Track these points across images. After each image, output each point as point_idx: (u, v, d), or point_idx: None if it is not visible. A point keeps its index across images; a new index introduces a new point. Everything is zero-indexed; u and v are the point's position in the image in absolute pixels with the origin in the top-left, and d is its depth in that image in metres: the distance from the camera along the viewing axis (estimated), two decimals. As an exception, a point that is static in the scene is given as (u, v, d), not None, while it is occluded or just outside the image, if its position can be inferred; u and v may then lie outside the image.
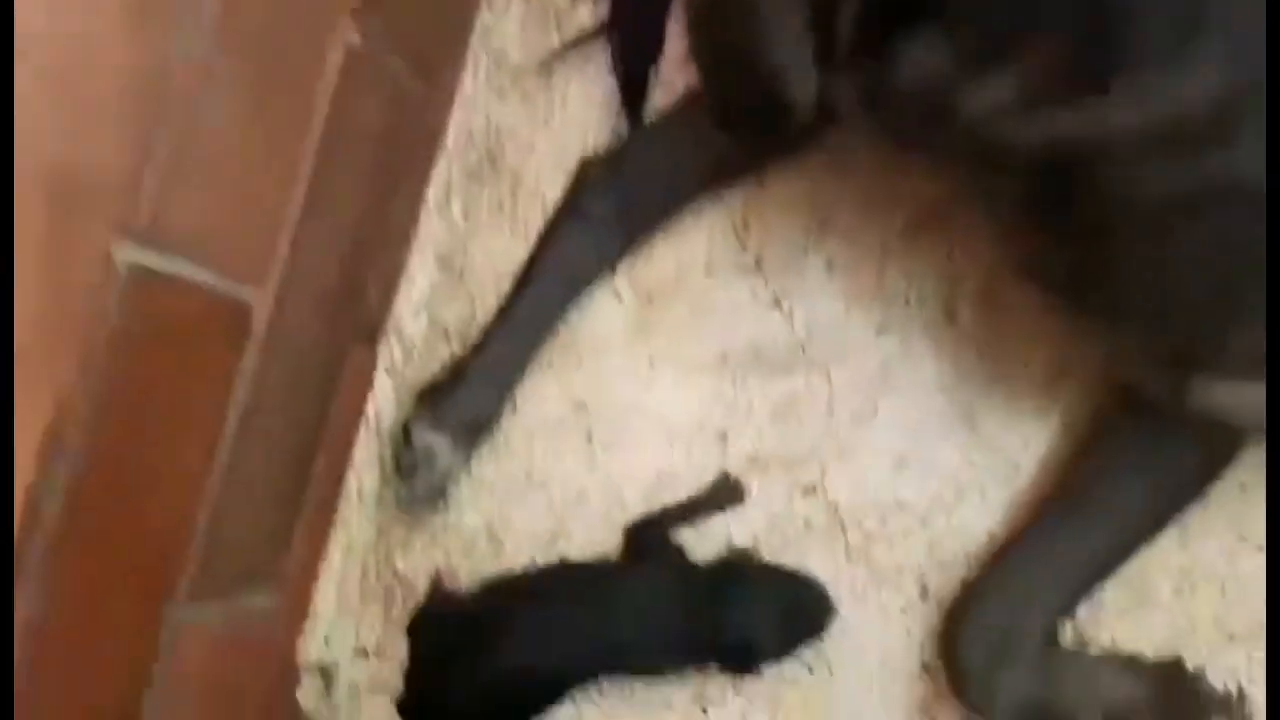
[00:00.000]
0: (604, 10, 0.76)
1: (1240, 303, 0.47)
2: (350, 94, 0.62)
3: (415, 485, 0.67)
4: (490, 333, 0.72)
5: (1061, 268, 0.51)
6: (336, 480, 0.68)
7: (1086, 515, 0.64)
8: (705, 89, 0.57)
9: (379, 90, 0.66)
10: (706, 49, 0.54)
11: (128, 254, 0.43)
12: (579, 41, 0.76)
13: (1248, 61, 0.37)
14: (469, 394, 0.70)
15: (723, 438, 0.71)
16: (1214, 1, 0.36)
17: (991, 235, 0.59)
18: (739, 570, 0.67)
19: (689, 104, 0.73)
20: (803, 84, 0.48)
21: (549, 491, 0.72)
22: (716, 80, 0.55)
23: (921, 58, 0.41)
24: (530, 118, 0.76)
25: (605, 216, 0.71)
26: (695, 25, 0.55)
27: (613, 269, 0.73)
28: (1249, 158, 0.40)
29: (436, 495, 0.69)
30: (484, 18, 0.78)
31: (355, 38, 0.61)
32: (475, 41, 0.77)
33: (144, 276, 0.44)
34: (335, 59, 0.60)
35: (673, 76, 0.74)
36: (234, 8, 0.50)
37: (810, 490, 0.69)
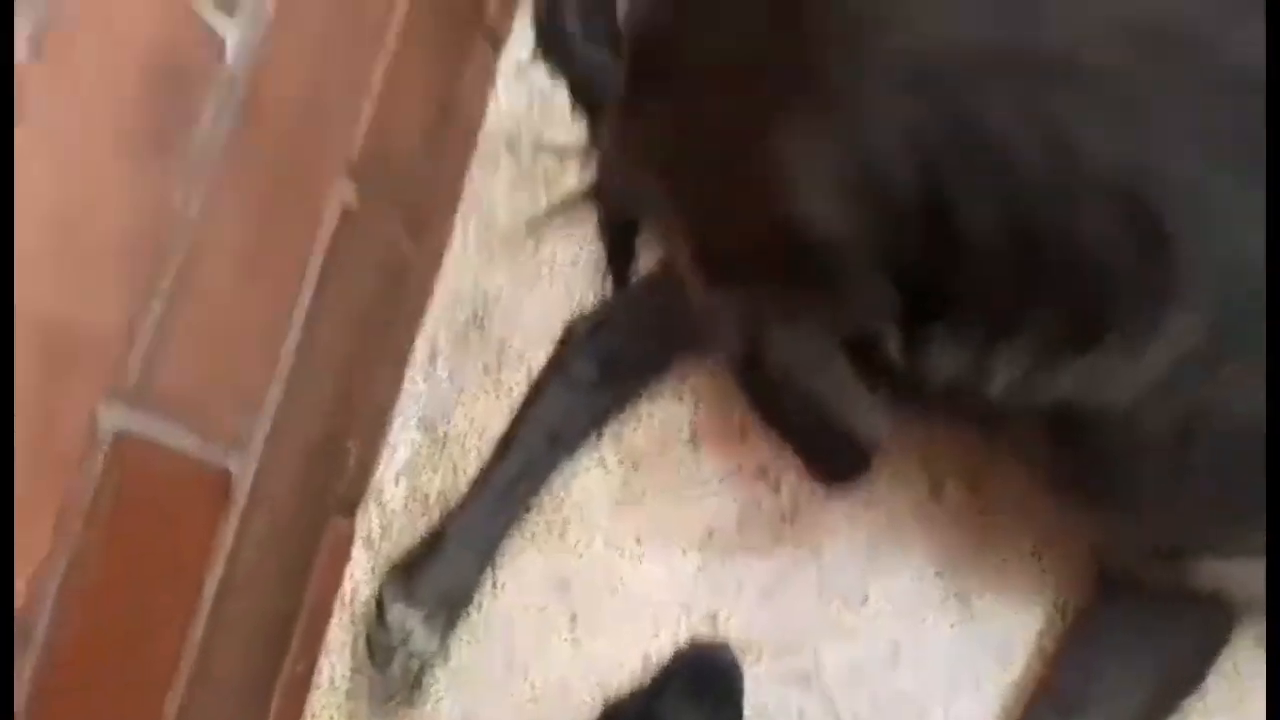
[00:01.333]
0: (590, 174, 0.78)
1: (1243, 502, 0.48)
2: (343, 255, 0.61)
3: (390, 671, 0.62)
4: (470, 499, 0.69)
5: (1061, 471, 0.52)
6: (309, 665, 0.63)
7: (1081, 714, 0.62)
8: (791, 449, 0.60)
9: (372, 252, 0.65)
10: (780, 426, 0.57)
11: (114, 417, 0.41)
12: (566, 205, 0.77)
13: (1225, 304, 0.40)
14: (446, 564, 0.66)
15: (712, 619, 0.68)
16: (1183, 263, 0.39)
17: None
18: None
19: (673, 268, 0.74)
20: (875, 427, 0.52)
21: (530, 680, 0.67)
22: (797, 447, 0.58)
23: (944, 356, 0.44)
24: (517, 280, 0.76)
25: (590, 379, 0.70)
26: (763, 414, 0.58)
27: (598, 433, 0.72)
28: (1237, 390, 0.43)
29: (412, 682, 0.64)
30: (474, 178, 0.79)
31: (352, 198, 0.61)
32: (465, 203, 0.78)
33: (128, 441, 0.41)
34: (331, 219, 0.60)
35: (657, 240, 0.75)
36: (234, 167, 0.49)
37: (804, 679, 0.66)
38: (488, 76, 0.79)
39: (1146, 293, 0.40)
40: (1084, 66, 0.38)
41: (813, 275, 0.47)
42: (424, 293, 0.74)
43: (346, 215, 0.61)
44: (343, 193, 0.60)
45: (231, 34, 0.46)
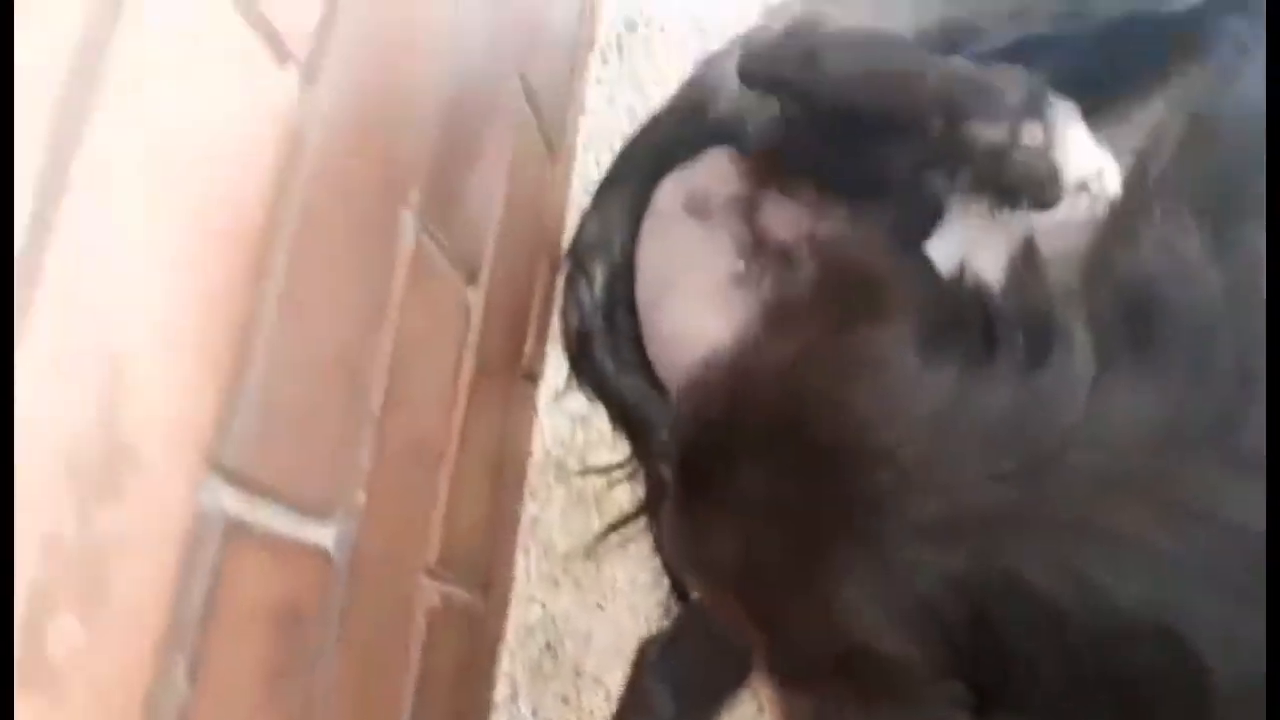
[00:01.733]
0: (640, 491, 0.83)
1: None
2: (438, 645, 0.66)
3: None
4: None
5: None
6: None
7: None
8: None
9: (455, 630, 0.70)
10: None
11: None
12: (619, 524, 0.82)
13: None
14: None
15: None
16: (1222, 689, 0.42)
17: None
18: None
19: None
20: None
21: None
22: None
23: None
24: (584, 604, 0.81)
25: (669, 714, 0.74)
26: None
27: (680, 754, 0.75)
28: None
29: None
30: (529, 510, 0.84)
31: (436, 600, 0.66)
32: (523, 534, 0.84)
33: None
34: (421, 623, 0.65)
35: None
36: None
37: None
38: (531, 413, 0.86)
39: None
40: (1100, 527, 0.43)
41: (882, 684, 0.51)
42: (497, 638, 0.79)
43: (433, 614, 0.66)
44: (429, 598, 0.65)
45: (330, 539, 0.52)
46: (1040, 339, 0.43)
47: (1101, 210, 0.43)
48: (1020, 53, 0.55)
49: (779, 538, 0.53)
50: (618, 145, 0.96)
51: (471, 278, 0.70)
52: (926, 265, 0.49)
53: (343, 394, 0.53)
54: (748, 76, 0.64)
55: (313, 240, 0.48)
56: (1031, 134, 0.44)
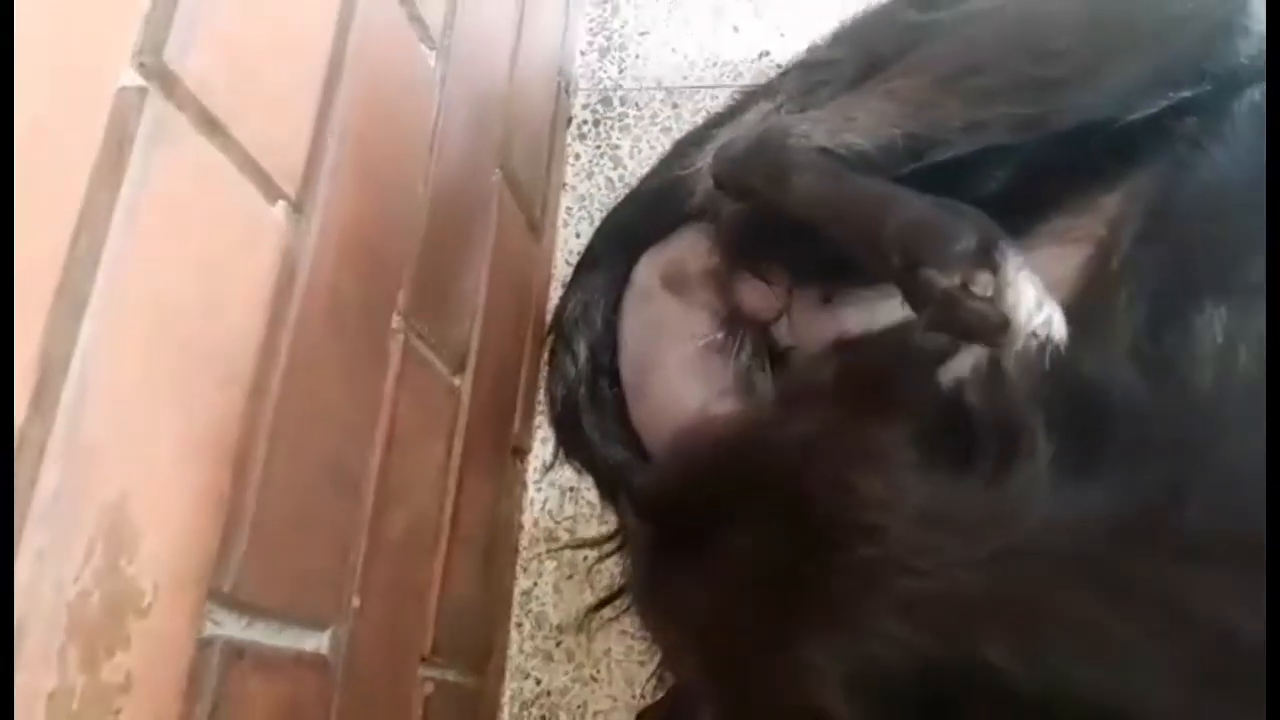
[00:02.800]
0: (627, 564, 0.85)
1: None
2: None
3: None
4: None
5: None
6: None
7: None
8: None
9: (453, 711, 0.71)
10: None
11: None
12: (610, 599, 0.84)
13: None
14: None
15: None
16: None
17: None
18: None
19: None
20: None
21: None
22: None
23: None
24: (578, 676, 0.82)
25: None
26: None
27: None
28: None
29: None
30: (521, 584, 0.86)
31: (431, 686, 0.67)
32: (516, 609, 0.85)
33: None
34: (418, 711, 0.66)
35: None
36: None
37: None
38: (520, 487, 0.87)
39: None
40: (1059, 614, 0.45)
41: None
42: (493, 714, 0.80)
43: (429, 700, 0.67)
44: (425, 686, 0.67)
45: (326, 645, 0.54)
46: (1008, 445, 0.46)
47: (1050, 354, 0.46)
48: (980, 161, 0.57)
49: (758, 595, 0.55)
50: (597, 217, 0.98)
51: (459, 366, 0.72)
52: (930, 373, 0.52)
53: (337, 503, 0.54)
54: (719, 181, 0.67)
55: (306, 361, 0.50)
56: (983, 283, 0.47)
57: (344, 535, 0.55)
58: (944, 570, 0.48)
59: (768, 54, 1.03)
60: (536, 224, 0.91)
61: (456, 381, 0.72)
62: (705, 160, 0.72)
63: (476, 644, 0.78)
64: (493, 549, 0.82)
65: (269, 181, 0.46)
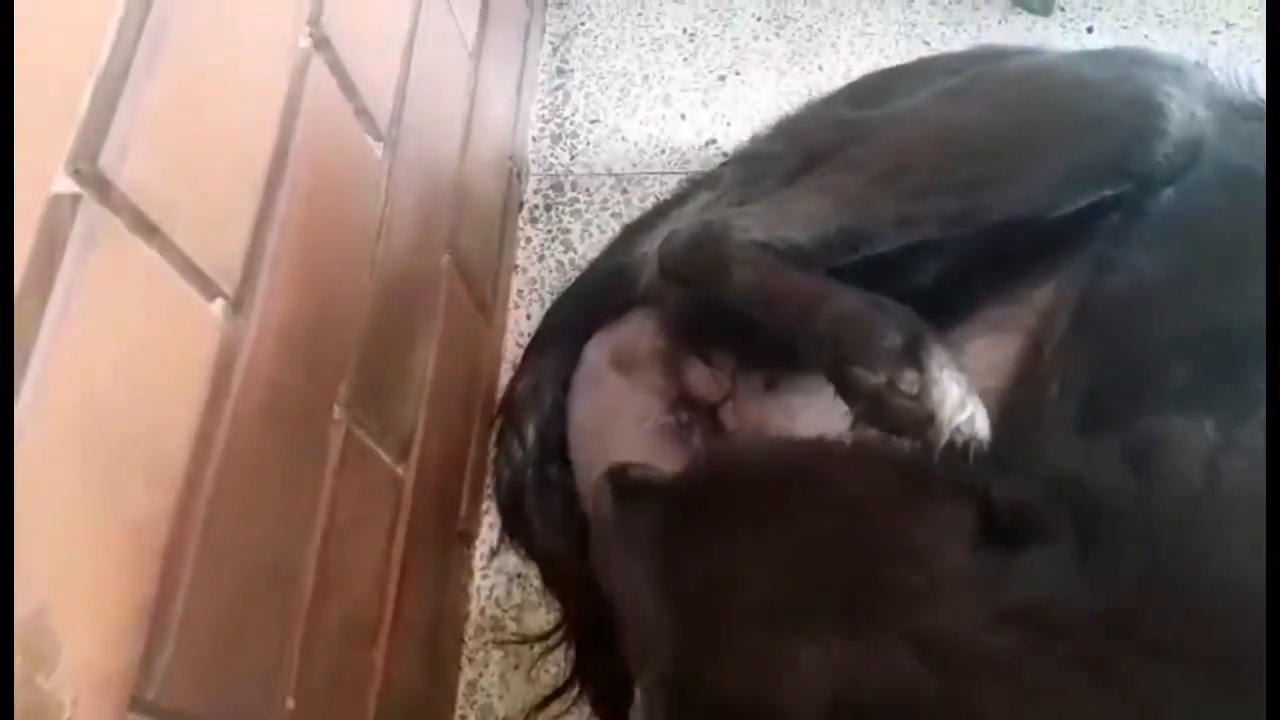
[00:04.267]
0: (573, 656, 0.84)
1: None
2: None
3: None
4: None
5: None
6: None
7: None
8: None
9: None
10: None
11: None
12: (555, 695, 0.82)
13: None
14: None
15: None
16: None
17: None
18: None
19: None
20: None
21: None
22: None
23: None
24: (524, 770, 0.81)
25: None
26: None
27: None
28: None
29: None
30: (467, 674, 0.84)
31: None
32: (462, 698, 0.83)
33: None
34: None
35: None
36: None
37: None
38: (467, 574, 0.86)
39: None
40: (1056, 694, 0.46)
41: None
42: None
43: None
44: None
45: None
46: (1027, 522, 0.47)
47: (976, 447, 0.47)
48: (913, 255, 0.59)
49: (775, 578, 0.53)
50: (548, 299, 0.99)
51: (403, 454, 0.72)
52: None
53: (271, 599, 0.53)
54: (664, 271, 0.68)
55: (242, 457, 0.49)
56: (909, 382, 0.49)
57: (278, 633, 0.54)
58: (968, 621, 0.48)
59: (714, 142, 1.06)
60: (487, 306, 0.92)
61: (400, 470, 0.71)
62: (651, 247, 0.74)
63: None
64: (437, 639, 0.80)
65: (206, 280, 0.46)
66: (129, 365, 0.41)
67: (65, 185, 0.38)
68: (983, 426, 0.48)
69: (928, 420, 0.47)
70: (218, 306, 0.48)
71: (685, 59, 1.12)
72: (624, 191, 1.04)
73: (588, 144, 1.08)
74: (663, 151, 1.06)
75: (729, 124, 1.07)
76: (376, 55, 0.68)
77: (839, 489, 0.53)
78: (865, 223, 0.58)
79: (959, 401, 0.48)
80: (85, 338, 0.38)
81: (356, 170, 0.64)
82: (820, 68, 1.11)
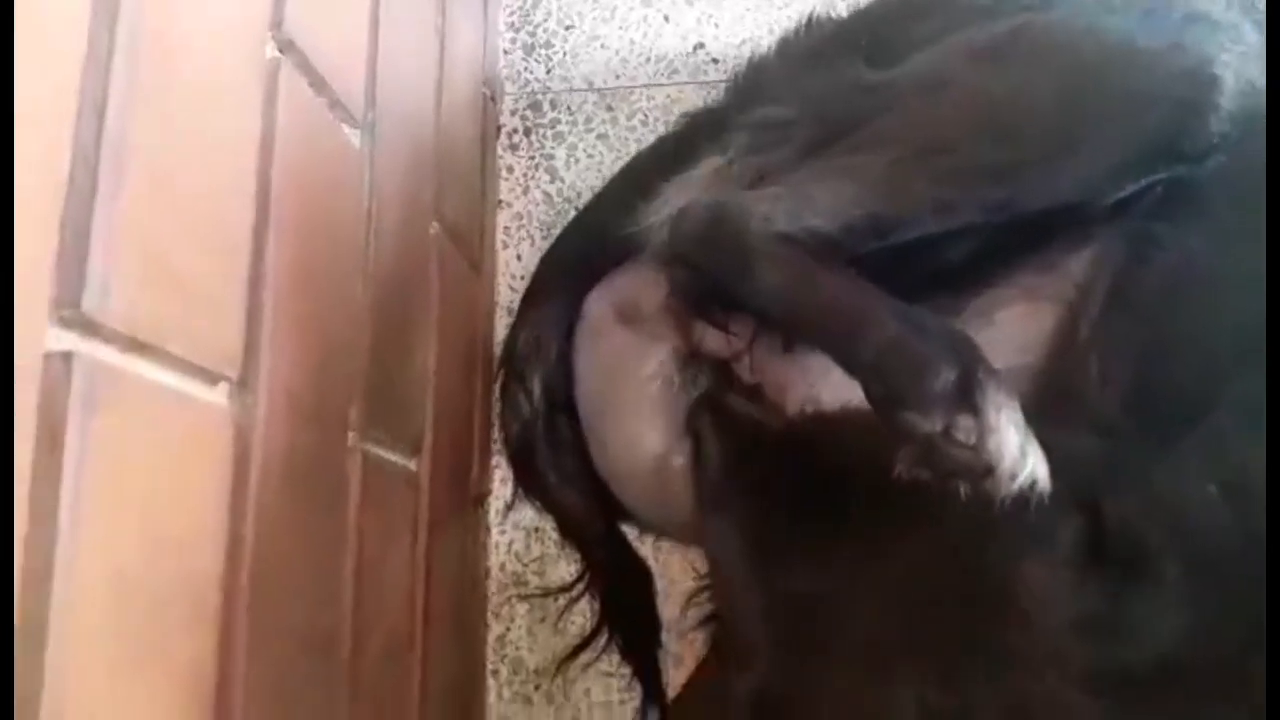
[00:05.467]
0: (597, 605, 0.84)
1: None
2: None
3: None
4: None
5: None
6: None
7: None
8: None
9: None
10: None
11: None
12: (583, 646, 0.83)
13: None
14: None
15: None
16: None
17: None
18: None
19: (701, 674, 0.81)
20: None
21: None
22: None
23: None
24: (560, 719, 0.83)
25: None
26: None
27: None
28: None
29: None
30: (494, 630, 0.85)
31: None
32: (491, 653, 0.84)
33: None
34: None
35: (680, 649, 0.82)
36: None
37: None
38: (484, 532, 0.86)
39: None
40: None
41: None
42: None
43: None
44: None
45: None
46: (1135, 564, 0.46)
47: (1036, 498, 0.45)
48: (941, 236, 0.55)
49: (882, 609, 0.53)
50: (537, 236, 0.94)
51: (416, 448, 0.69)
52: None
53: (318, 665, 0.52)
54: (676, 262, 0.64)
55: (271, 540, 0.46)
56: (965, 429, 0.45)
57: (327, 690, 0.53)
58: (1069, 683, 0.48)
59: (702, 46, 0.98)
60: (475, 257, 0.87)
61: (413, 465, 0.69)
62: (655, 217, 0.69)
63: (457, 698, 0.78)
64: (463, 601, 0.81)
65: (208, 373, 0.42)
66: (151, 513, 0.37)
67: (55, 340, 0.33)
68: (1043, 475, 0.46)
69: (986, 471, 0.45)
70: (222, 391, 0.44)
71: (663, -53, 1.02)
72: (609, 109, 0.97)
73: (564, 54, 0.99)
74: (647, 60, 0.98)
75: (717, 25, 0.99)
76: (340, 31, 0.60)
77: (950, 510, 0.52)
78: (898, 209, 0.54)
79: (1018, 451, 0.45)
80: (104, 505, 0.34)
81: (338, 170, 0.58)
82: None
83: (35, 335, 0.32)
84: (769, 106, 0.64)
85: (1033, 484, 0.45)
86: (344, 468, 0.57)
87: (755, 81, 0.75)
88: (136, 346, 0.37)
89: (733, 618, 0.68)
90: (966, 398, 0.46)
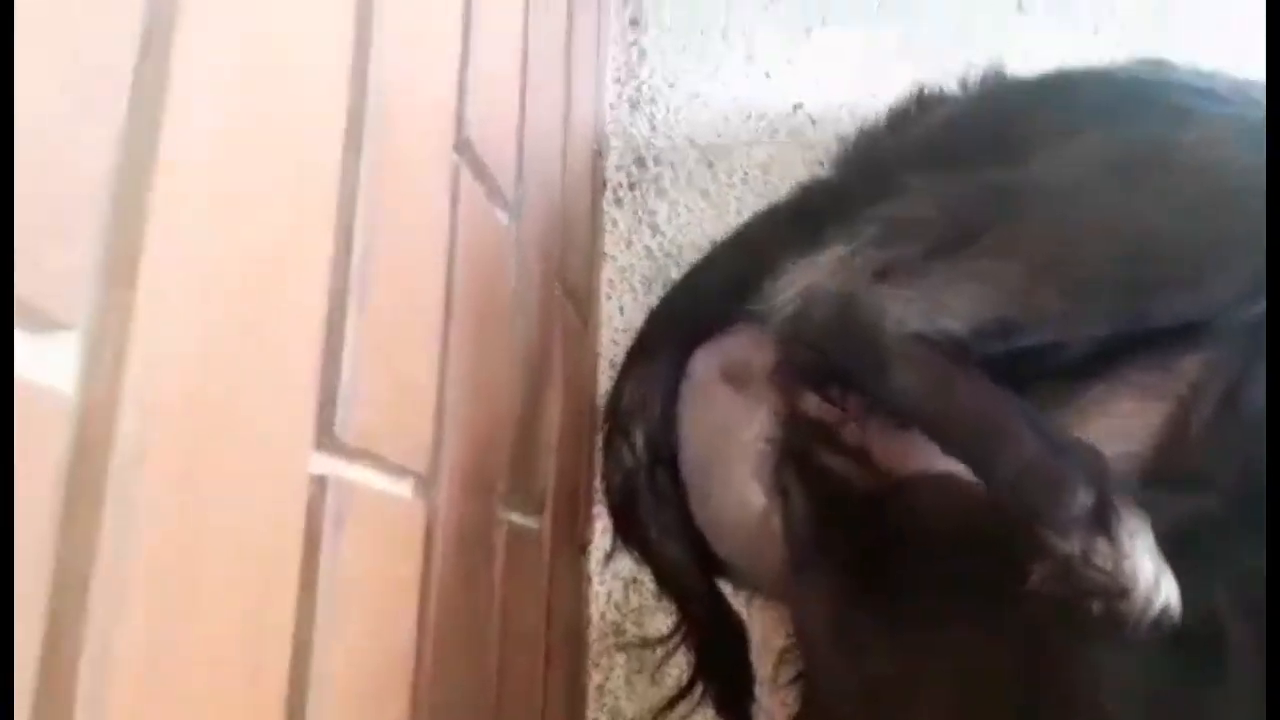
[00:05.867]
0: (693, 658, 0.87)
1: None
2: None
3: None
4: None
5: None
6: None
7: None
8: None
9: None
10: None
11: None
12: (680, 697, 0.85)
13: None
14: None
15: None
16: None
17: None
18: None
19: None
20: None
21: None
22: None
23: None
24: (656, 768, 0.85)
25: None
26: None
27: None
28: None
29: None
30: (594, 679, 0.87)
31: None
32: (592, 702, 0.87)
33: None
34: None
35: (772, 705, 0.84)
36: None
37: None
38: (585, 581, 0.88)
39: None
40: None
41: None
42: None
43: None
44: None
45: None
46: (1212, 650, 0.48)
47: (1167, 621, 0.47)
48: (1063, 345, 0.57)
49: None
50: (640, 290, 0.97)
51: (539, 507, 0.72)
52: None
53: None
54: (800, 344, 0.65)
55: (447, 618, 0.49)
56: (1102, 555, 0.48)
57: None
58: None
59: (801, 106, 1.00)
60: (585, 315, 0.89)
61: (536, 524, 0.72)
62: (779, 298, 0.71)
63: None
64: (569, 651, 0.83)
65: (405, 471, 0.45)
66: (372, 605, 0.40)
67: (317, 464, 0.36)
68: (1175, 601, 0.48)
69: (1120, 595, 0.47)
70: (409, 486, 0.47)
71: (766, 6, 1.04)
72: (710, 165, 0.99)
73: (667, 110, 1.01)
74: (748, 118, 1.00)
75: (817, 83, 1.01)
76: (496, 112, 0.63)
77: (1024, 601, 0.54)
78: (1025, 316, 0.56)
79: (1153, 578, 0.47)
80: (347, 604, 0.37)
81: (494, 254, 0.61)
82: (914, 16, 1.03)
83: (300, 460, 0.35)
84: (900, 201, 0.66)
85: (1165, 609, 0.47)
86: (493, 537, 0.59)
87: (871, 159, 0.77)
88: (363, 456, 0.40)
89: (813, 682, 0.70)
90: (1102, 523, 0.48)
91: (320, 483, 0.36)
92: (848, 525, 0.68)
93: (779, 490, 0.77)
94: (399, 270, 0.42)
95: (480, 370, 0.56)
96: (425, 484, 0.47)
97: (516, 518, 0.64)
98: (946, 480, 0.59)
